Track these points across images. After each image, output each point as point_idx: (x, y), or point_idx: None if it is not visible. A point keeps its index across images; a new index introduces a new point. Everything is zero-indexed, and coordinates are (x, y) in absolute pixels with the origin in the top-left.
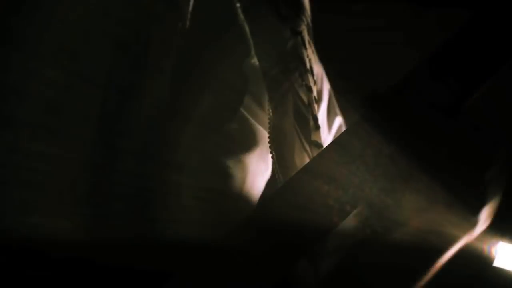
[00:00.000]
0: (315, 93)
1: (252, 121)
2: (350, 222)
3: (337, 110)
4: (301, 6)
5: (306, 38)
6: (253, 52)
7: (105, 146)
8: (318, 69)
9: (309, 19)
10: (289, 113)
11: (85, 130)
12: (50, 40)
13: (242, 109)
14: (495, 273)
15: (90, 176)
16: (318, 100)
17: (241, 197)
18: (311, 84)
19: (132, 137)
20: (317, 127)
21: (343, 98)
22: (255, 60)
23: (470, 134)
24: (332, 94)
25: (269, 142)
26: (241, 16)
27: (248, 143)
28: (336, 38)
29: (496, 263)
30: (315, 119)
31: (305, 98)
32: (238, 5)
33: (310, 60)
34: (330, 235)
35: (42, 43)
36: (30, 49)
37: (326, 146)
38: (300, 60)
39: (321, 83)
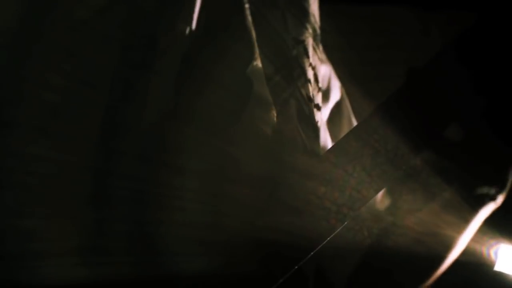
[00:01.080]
0: (318, 101)
1: (256, 124)
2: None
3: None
4: (306, 14)
5: (310, 46)
6: (256, 55)
7: (106, 149)
8: (325, 70)
9: (316, 25)
10: (293, 118)
11: (86, 133)
12: (50, 43)
13: (245, 113)
14: (496, 277)
15: (91, 179)
16: (325, 100)
17: (241, 199)
18: (312, 93)
19: (133, 140)
20: (317, 136)
21: (363, 86)
22: (258, 63)
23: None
24: (345, 94)
25: (273, 146)
26: (249, 19)
27: (251, 147)
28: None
29: (497, 267)
30: (315, 129)
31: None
32: (247, 6)
33: (314, 67)
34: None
35: (42, 45)
36: (29, 52)
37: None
38: (302, 70)
39: (328, 83)
